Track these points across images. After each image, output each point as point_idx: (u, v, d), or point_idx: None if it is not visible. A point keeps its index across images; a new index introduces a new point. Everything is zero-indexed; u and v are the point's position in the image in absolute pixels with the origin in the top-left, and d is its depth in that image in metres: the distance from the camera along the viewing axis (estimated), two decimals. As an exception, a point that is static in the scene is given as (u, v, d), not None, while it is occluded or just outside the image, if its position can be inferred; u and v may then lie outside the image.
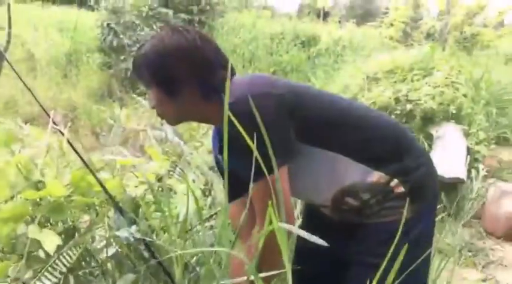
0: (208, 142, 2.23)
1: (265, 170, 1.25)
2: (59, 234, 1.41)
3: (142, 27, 10.49)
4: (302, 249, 1.63)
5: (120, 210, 1.39)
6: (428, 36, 9.18)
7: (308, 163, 1.38)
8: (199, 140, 2.21)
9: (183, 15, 11.21)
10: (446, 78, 4.60)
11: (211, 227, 1.87)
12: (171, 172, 1.69)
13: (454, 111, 4.46)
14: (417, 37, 9.25)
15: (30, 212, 1.38)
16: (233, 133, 1.27)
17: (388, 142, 1.41)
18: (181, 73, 1.35)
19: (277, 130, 1.27)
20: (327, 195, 1.42)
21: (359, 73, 5.66)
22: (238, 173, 1.40)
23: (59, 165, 1.65)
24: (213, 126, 1.60)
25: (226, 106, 1.03)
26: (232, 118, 1.26)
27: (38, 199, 1.40)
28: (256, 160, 1.20)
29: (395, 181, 1.37)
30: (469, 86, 4.89)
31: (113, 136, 1.43)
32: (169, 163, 1.72)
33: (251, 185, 1.25)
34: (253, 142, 1.11)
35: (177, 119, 1.47)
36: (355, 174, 1.37)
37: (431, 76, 4.74)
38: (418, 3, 9.60)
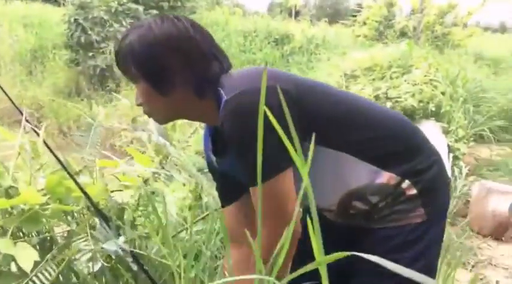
0: (196, 142, 2.10)
1: (272, 170, 1.13)
2: (33, 247, 1.25)
3: (112, 23, 10.19)
4: (302, 257, 1.52)
5: (105, 219, 1.24)
6: (402, 34, 9.25)
7: (312, 164, 1.26)
8: (186, 140, 2.07)
9: (154, 12, 10.93)
10: (425, 75, 4.58)
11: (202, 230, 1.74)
12: (157, 175, 1.55)
13: (433, 109, 4.44)
14: (390, 35, 9.31)
15: (1, 222, 1.21)
16: (237, 130, 1.14)
17: (398, 140, 1.30)
18: (172, 66, 1.21)
19: (282, 128, 1.15)
20: (333, 198, 1.31)
21: (336, 71, 5.60)
22: (240, 174, 1.28)
23: (31, 168, 1.48)
24: (203, 125, 1.47)
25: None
26: (234, 113, 1.13)
27: (9, 208, 1.23)
28: (256, 161, 1.09)
29: (407, 182, 1.27)
30: (446, 84, 4.88)
31: (92, 136, 1.29)
32: (155, 165, 1.58)
33: (258, 187, 1.14)
34: (254, 141, 1.03)
35: (167, 117, 1.33)
36: (363, 175, 1.26)
37: (410, 73, 4.71)
38: (391, 2, 9.66)
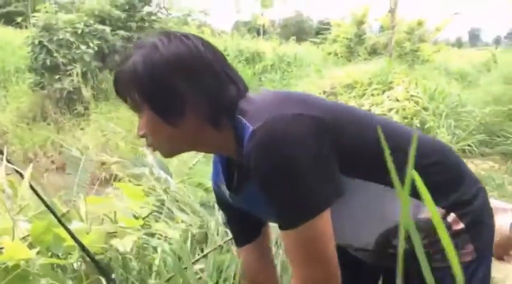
0: (197, 173, 1.91)
1: (312, 210, 0.98)
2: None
3: (78, 44, 9.91)
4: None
5: (105, 273, 1.04)
6: (373, 51, 9.32)
7: (347, 199, 1.11)
8: (187, 173, 1.88)
9: (121, 32, 10.70)
10: (407, 91, 4.55)
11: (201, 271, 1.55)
12: (157, 213, 1.36)
13: (418, 125, 4.39)
14: (362, 52, 9.36)
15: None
16: (268, 164, 0.97)
17: (441, 169, 1.16)
18: (182, 91, 1.03)
19: (321, 161, 0.99)
20: (369, 236, 1.15)
21: (314, 89, 5.52)
22: (267, 213, 1.12)
23: (11, 212, 1.27)
24: (206, 154, 1.29)
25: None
26: (264, 145, 0.96)
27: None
28: (293, 200, 0.98)
29: (453, 215, 1.12)
30: (426, 99, 4.86)
31: (81, 173, 1.09)
32: (151, 201, 1.39)
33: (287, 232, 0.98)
34: (289, 177, 0.95)
35: (176, 150, 1.15)
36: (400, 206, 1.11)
37: (392, 90, 4.66)
38: (361, 20, 9.74)
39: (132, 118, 9.18)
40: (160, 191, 1.42)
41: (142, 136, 1.12)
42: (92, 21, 10.47)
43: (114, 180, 1.88)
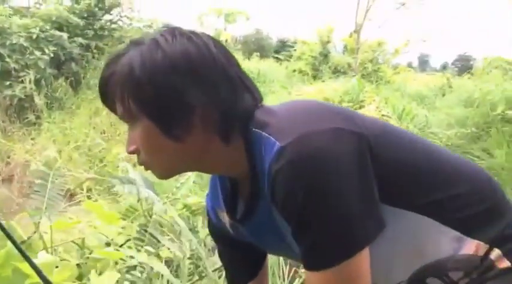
0: (183, 194, 1.68)
1: (352, 246, 0.80)
2: None
3: (32, 50, 9.43)
4: None
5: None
6: (337, 70, 9.36)
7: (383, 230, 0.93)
8: (173, 193, 1.66)
9: (79, 40, 10.28)
10: (380, 110, 4.50)
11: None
12: (138, 240, 1.14)
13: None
14: (326, 71, 9.37)
15: None
16: (297, 189, 0.79)
17: (484, 197, 1.00)
18: (189, 98, 0.83)
19: (365, 186, 0.81)
20: (402, 273, 0.97)
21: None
22: (286, 248, 0.93)
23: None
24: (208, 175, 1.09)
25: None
26: (292, 166, 0.78)
27: None
28: (331, 234, 0.79)
29: (497, 251, 0.96)
30: (395, 119, 4.83)
31: (51, 191, 0.89)
32: (134, 226, 1.17)
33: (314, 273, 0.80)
34: (330, 204, 0.77)
35: (175, 169, 0.93)
36: (444, 243, 0.94)
37: (362, 108, 4.60)
38: (327, 39, 9.79)
39: (87, 129, 8.76)
40: (141, 212, 1.19)
41: (132, 152, 0.90)
42: (48, 27, 9.99)
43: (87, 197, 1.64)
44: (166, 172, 0.92)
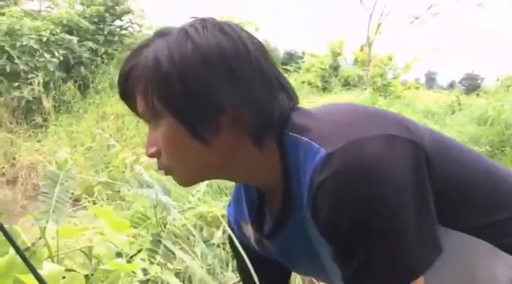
0: (196, 202, 1.58)
1: (408, 272, 0.69)
2: None
3: (42, 52, 9.40)
4: None
5: None
6: (346, 83, 9.28)
7: None
8: (189, 201, 1.55)
9: (89, 44, 10.26)
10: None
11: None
12: (151, 252, 1.04)
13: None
14: (335, 83, 9.29)
15: None
16: (347, 203, 0.69)
17: None
18: (222, 97, 0.74)
19: (424, 202, 0.72)
20: None
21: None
22: (311, 271, 0.84)
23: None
24: (232, 183, 1.00)
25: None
26: (341, 176, 0.68)
27: None
28: (385, 257, 0.69)
29: None
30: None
31: (59, 193, 0.82)
32: (148, 236, 1.07)
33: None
34: (385, 223, 0.67)
35: (200, 175, 0.83)
36: (499, 269, 0.84)
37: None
38: (338, 52, 9.72)
39: (94, 133, 8.68)
40: (154, 221, 1.10)
41: (152, 155, 0.81)
42: (58, 30, 9.98)
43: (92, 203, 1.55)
44: (189, 178, 0.83)
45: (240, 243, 1.00)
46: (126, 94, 0.80)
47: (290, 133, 0.76)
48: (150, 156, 0.82)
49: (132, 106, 0.81)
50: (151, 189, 1.08)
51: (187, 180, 0.84)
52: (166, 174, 0.84)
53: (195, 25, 0.77)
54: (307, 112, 0.81)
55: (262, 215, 0.91)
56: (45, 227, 0.94)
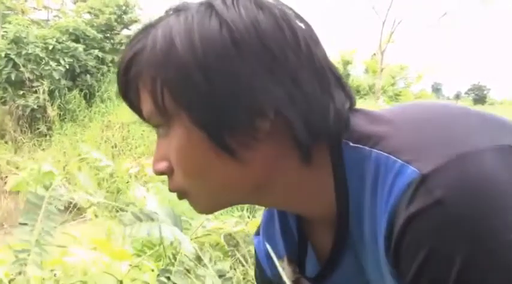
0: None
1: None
2: None
3: (48, 61, 9.30)
4: None
5: None
6: (356, 92, 9.12)
7: None
8: (203, 224, 1.34)
9: (95, 52, 10.15)
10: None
11: None
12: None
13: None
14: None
15: None
16: (432, 244, 0.48)
17: None
18: (258, 95, 0.53)
19: None
20: None
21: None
22: None
23: None
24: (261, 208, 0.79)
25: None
26: (436, 211, 0.46)
27: None
28: None
29: None
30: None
31: (44, 220, 0.67)
32: (154, 270, 0.88)
33: None
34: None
35: (224, 199, 0.62)
36: None
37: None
38: (348, 60, 9.56)
39: (99, 141, 8.54)
40: (162, 252, 0.90)
41: (161, 172, 0.61)
42: (64, 38, 9.90)
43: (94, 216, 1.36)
44: (211, 203, 0.62)
45: (271, 280, 0.80)
46: (128, 90, 0.60)
47: (351, 144, 0.56)
48: (158, 173, 0.61)
49: (135, 107, 0.61)
50: (154, 222, 0.87)
51: (209, 206, 0.63)
52: (180, 197, 0.64)
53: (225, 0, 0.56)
54: (374, 114, 0.60)
55: (303, 250, 0.71)
56: (25, 264, 0.75)
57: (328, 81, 0.57)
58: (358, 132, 0.56)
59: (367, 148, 0.54)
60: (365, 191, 0.55)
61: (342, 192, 0.57)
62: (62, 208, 0.79)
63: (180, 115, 0.55)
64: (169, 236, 0.85)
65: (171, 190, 0.63)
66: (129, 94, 0.60)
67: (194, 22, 0.54)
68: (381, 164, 0.52)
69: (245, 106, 0.53)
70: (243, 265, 1.97)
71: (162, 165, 0.59)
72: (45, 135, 8.86)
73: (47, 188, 0.83)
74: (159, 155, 0.60)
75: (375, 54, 8.88)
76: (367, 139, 0.55)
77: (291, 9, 0.59)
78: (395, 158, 0.51)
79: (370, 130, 0.55)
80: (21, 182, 0.92)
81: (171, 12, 0.58)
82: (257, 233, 0.82)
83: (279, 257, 0.73)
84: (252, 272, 2.09)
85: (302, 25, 0.57)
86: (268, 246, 0.74)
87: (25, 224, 0.76)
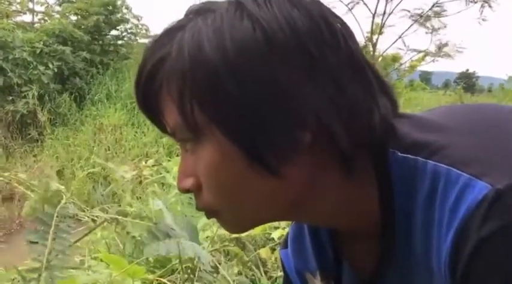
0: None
1: None
2: None
3: (36, 65, 9.15)
4: None
5: None
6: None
7: None
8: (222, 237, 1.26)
9: (83, 54, 10.00)
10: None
11: None
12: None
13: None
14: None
15: None
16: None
17: None
18: (299, 104, 0.48)
19: None
20: None
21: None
22: None
23: None
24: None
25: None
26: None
27: None
28: None
29: None
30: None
31: (56, 240, 0.60)
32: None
33: None
34: None
35: (259, 218, 0.58)
36: None
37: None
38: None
39: (92, 145, 8.42)
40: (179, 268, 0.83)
41: (187, 190, 0.55)
42: (51, 41, 9.74)
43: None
44: (245, 223, 0.57)
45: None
46: (149, 102, 0.53)
47: (399, 154, 0.50)
48: (184, 191, 0.55)
49: (158, 120, 0.54)
50: (171, 239, 0.79)
51: (241, 225, 0.58)
52: (209, 216, 0.57)
53: None
54: (420, 120, 0.54)
55: (338, 268, 0.64)
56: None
57: (370, 82, 0.51)
58: (407, 141, 0.51)
59: (420, 159, 0.49)
60: (416, 206, 0.50)
61: (388, 207, 0.52)
62: (74, 225, 0.72)
63: (211, 128, 0.49)
64: (188, 253, 0.78)
65: (199, 209, 0.57)
66: (150, 105, 0.53)
67: (224, 23, 0.49)
68: (439, 177, 0.47)
69: (284, 115, 0.48)
70: (251, 270, 1.90)
71: (189, 182, 0.54)
72: (37, 140, 8.72)
73: (55, 206, 0.75)
74: (185, 171, 0.54)
75: (365, 44, 8.85)
76: (420, 148, 0.50)
77: (329, 9, 0.53)
78: (458, 171, 0.45)
79: (422, 139, 0.50)
80: (35, 208, 0.84)
81: (197, 12, 0.52)
82: (284, 247, 0.76)
83: (312, 274, 0.66)
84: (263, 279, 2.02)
85: (340, 23, 0.52)
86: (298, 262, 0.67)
87: (35, 242, 0.68)
